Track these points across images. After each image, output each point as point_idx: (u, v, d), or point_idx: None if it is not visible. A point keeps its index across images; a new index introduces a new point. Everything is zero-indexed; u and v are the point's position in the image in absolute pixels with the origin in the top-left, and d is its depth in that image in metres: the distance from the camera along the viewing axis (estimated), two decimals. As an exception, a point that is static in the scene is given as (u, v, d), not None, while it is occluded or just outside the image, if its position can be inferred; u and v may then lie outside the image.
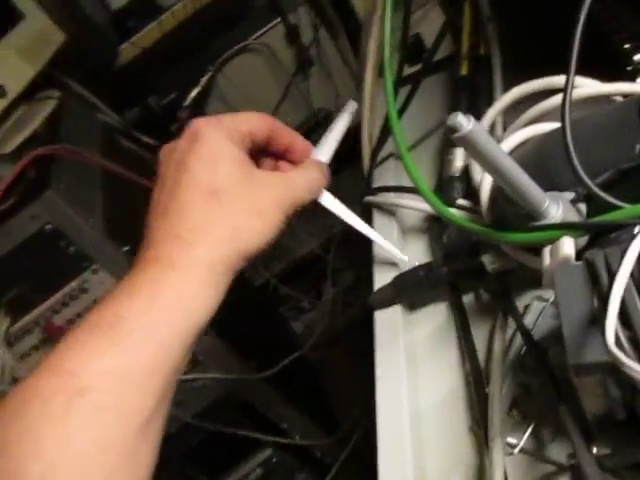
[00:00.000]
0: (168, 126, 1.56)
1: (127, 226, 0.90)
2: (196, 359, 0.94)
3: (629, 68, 0.36)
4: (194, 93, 1.50)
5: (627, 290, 0.21)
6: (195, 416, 0.97)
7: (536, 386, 0.32)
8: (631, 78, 0.35)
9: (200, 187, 0.33)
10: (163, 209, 0.35)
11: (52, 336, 0.81)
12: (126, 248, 0.82)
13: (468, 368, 0.34)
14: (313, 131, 1.68)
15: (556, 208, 0.27)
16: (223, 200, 0.33)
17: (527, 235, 0.27)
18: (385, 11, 0.42)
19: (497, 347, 0.33)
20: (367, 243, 0.45)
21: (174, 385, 0.31)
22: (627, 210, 0.24)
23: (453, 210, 0.35)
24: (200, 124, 0.35)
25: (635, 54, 0.36)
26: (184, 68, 1.54)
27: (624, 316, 0.21)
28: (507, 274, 0.37)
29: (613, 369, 0.21)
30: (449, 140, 0.45)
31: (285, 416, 1.14)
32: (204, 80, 1.51)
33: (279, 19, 1.52)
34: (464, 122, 0.23)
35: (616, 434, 0.25)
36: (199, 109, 1.53)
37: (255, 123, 0.37)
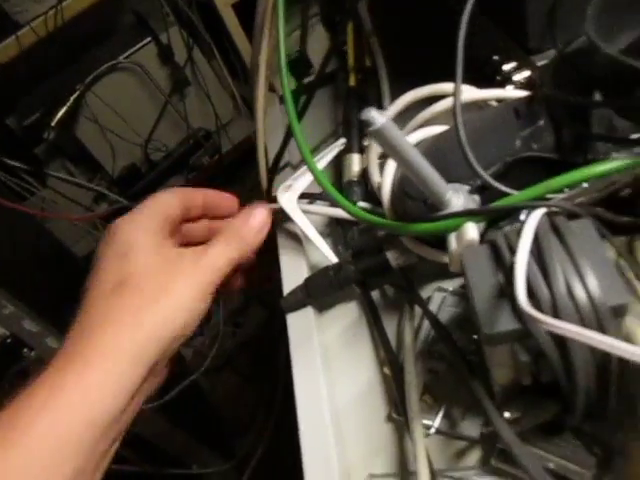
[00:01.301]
0: (32, 147, 1.45)
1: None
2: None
3: (499, 78, 0.41)
4: (61, 113, 1.41)
5: (529, 264, 0.24)
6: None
7: (444, 370, 0.35)
8: (501, 85, 0.40)
9: (107, 280, 0.33)
10: (79, 307, 0.34)
11: None
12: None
13: (382, 359, 0.36)
14: (192, 151, 1.66)
15: (457, 198, 0.29)
16: (128, 289, 0.32)
17: (433, 225, 0.29)
18: (278, 23, 0.43)
19: (407, 336, 0.35)
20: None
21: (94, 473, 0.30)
22: (518, 195, 0.27)
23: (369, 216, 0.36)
24: (116, 221, 0.36)
25: (503, 65, 0.40)
26: (49, 87, 1.44)
27: (529, 289, 0.23)
28: (410, 268, 0.39)
29: (522, 335, 0.24)
30: (347, 147, 0.47)
31: (180, 446, 1.09)
32: (72, 99, 1.42)
33: (150, 38, 1.49)
34: (377, 116, 0.24)
35: (522, 400, 0.27)
36: (68, 129, 1.44)
37: (166, 203, 0.37)
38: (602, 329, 0.22)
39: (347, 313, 0.41)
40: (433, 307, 0.37)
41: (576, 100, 0.30)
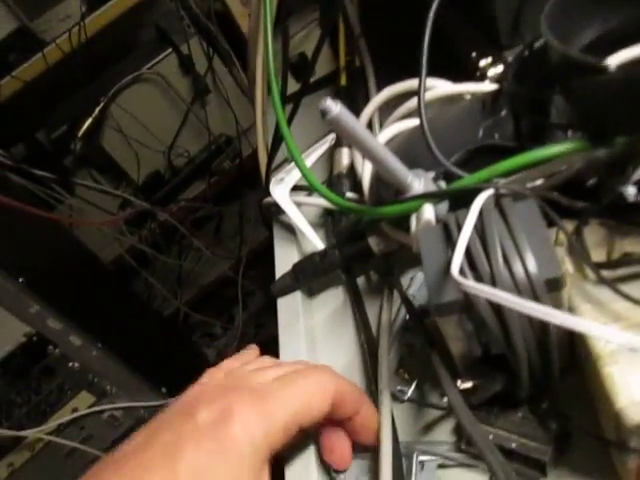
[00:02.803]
0: (61, 159, 1.51)
1: (19, 257, 0.86)
2: (104, 390, 0.91)
3: (478, 73, 0.43)
4: (87, 124, 1.47)
5: (472, 239, 0.26)
6: (107, 450, 0.94)
7: (418, 346, 0.36)
8: (480, 80, 0.41)
9: None
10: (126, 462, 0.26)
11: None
12: (21, 279, 0.79)
13: (363, 339, 0.38)
14: (214, 156, 1.70)
15: (418, 182, 0.31)
16: None
17: (395, 207, 0.31)
18: (266, 30, 0.46)
19: (384, 316, 0.37)
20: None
21: None
22: (467, 179, 0.29)
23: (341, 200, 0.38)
24: (236, 403, 0.28)
25: (480, 61, 0.42)
26: (74, 100, 1.51)
27: (471, 260, 0.25)
28: (392, 254, 0.41)
29: (465, 306, 0.26)
30: (337, 142, 0.49)
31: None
32: (97, 111, 1.48)
33: (170, 49, 1.54)
34: (332, 106, 0.27)
35: (476, 372, 0.29)
36: (94, 140, 1.50)
37: (316, 407, 0.29)
38: (537, 300, 0.24)
39: (334, 298, 0.43)
40: (413, 288, 0.39)
41: (533, 92, 0.32)
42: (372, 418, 0.32)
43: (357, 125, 0.28)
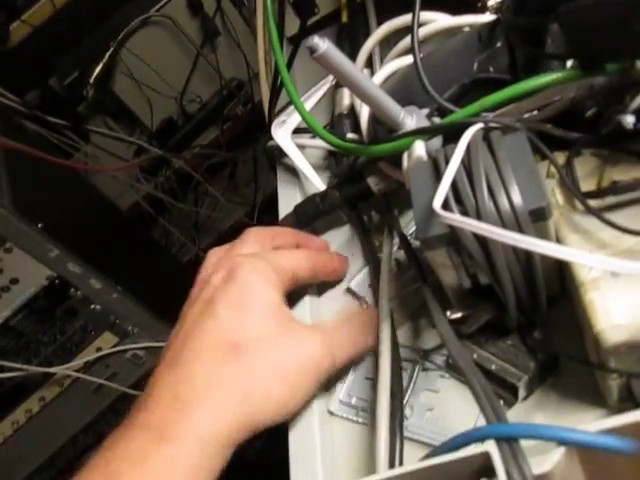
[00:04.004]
0: (74, 106, 1.52)
1: (39, 203, 0.89)
2: (126, 330, 0.95)
3: (479, 4, 0.41)
4: (98, 70, 1.46)
5: (458, 173, 0.26)
6: (132, 387, 0.99)
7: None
8: (481, 12, 0.40)
9: (219, 337, 0.29)
10: (172, 356, 0.30)
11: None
12: (40, 225, 0.82)
13: (370, 269, 0.39)
14: (226, 101, 1.69)
15: (410, 119, 0.31)
16: (242, 356, 0.29)
17: (388, 145, 0.31)
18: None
19: (385, 250, 0.38)
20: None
21: None
22: (456, 113, 0.29)
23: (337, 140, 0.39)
24: (239, 261, 0.32)
25: (482, -9, 0.41)
26: (84, 45, 1.50)
27: (457, 194, 0.26)
28: (391, 194, 0.41)
29: (452, 239, 0.26)
30: (337, 83, 0.49)
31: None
32: (107, 56, 1.47)
33: (178, -11, 1.50)
34: (320, 42, 0.27)
35: (466, 303, 0.30)
36: (106, 86, 1.50)
37: (300, 263, 0.34)
38: (521, 231, 0.25)
39: (337, 238, 0.44)
40: (413, 229, 0.40)
41: (529, 21, 0.31)
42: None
43: (346, 62, 0.28)
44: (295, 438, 0.32)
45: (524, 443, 0.20)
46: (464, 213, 0.25)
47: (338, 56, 0.27)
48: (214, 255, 0.37)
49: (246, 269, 0.32)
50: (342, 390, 0.35)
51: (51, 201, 0.98)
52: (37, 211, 0.83)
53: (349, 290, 0.39)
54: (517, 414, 0.29)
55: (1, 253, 0.78)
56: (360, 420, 0.33)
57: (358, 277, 0.39)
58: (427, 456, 0.22)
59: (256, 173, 1.71)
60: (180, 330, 0.32)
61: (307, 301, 0.39)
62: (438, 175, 0.27)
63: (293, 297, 0.38)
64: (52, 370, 0.87)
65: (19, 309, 0.83)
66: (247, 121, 1.72)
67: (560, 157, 0.30)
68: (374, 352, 0.33)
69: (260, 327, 0.30)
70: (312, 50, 0.27)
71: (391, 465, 0.27)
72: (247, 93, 1.70)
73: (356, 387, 0.35)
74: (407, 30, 0.41)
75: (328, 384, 0.34)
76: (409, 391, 0.32)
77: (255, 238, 0.37)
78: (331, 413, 0.34)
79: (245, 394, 0.28)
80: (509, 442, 0.20)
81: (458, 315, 0.29)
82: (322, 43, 0.27)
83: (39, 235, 0.80)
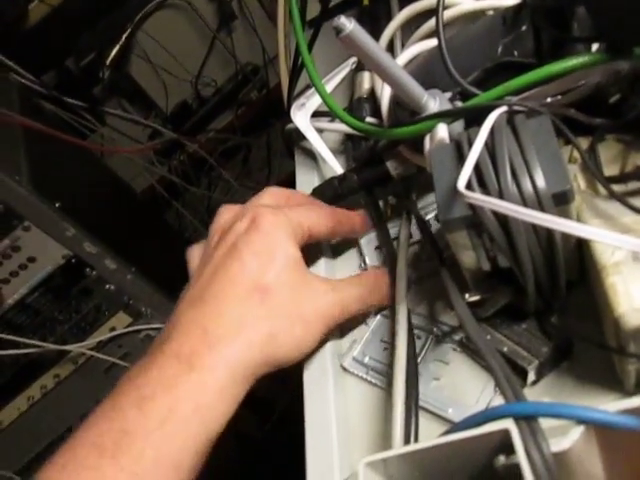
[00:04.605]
0: (90, 87, 1.52)
1: (56, 183, 0.90)
2: (139, 311, 0.96)
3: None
4: (114, 52, 1.47)
5: (482, 155, 0.26)
6: (143, 366, 1.00)
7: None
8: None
9: (247, 280, 0.31)
10: (199, 293, 0.32)
11: (-14, 296, 0.82)
12: (57, 204, 0.82)
13: (384, 253, 0.39)
14: (241, 86, 1.69)
15: (433, 102, 0.31)
16: (267, 300, 0.31)
17: (410, 128, 0.31)
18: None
19: (402, 236, 0.38)
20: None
21: None
22: (481, 96, 0.29)
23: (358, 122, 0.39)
24: (262, 211, 0.34)
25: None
26: (101, 27, 1.50)
27: (480, 177, 0.26)
28: (410, 178, 0.41)
29: (473, 221, 0.26)
30: (358, 66, 0.49)
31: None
32: (123, 38, 1.47)
33: (196, -27, 1.50)
34: (347, 22, 0.27)
35: (484, 286, 0.30)
36: (122, 68, 1.50)
37: (317, 220, 0.36)
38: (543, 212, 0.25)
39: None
40: (430, 216, 0.40)
41: (555, 3, 0.31)
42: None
43: (372, 43, 0.28)
44: (310, 391, 0.34)
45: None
46: (487, 195, 0.26)
47: (364, 37, 0.27)
48: (228, 211, 0.37)
49: (269, 220, 0.33)
50: (357, 349, 0.36)
51: (68, 181, 0.99)
52: (55, 191, 0.84)
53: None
54: (532, 397, 0.29)
55: (19, 231, 0.79)
56: (369, 379, 0.34)
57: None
58: (446, 432, 0.22)
59: (269, 158, 1.71)
60: (204, 272, 0.33)
61: (322, 262, 0.40)
62: (461, 158, 0.27)
63: (310, 256, 0.39)
64: (67, 348, 0.89)
65: (36, 287, 0.84)
66: (261, 106, 1.71)
67: (583, 142, 0.29)
68: (390, 318, 0.35)
69: (282, 276, 0.32)
70: (338, 30, 0.27)
71: (406, 438, 0.28)
72: (262, 78, 1.70)
73: (371, 347, 0.36)
74: (429, 13, 0.41)
75: (342, 336, 0.37)
76: (420, 358, 0.33)
77: (271, 196, 0.38)
78: (344, 369, 0.35)
79: (269, 334, 0.31)
80: (528, 420, 0.20)
81: (476, 298, 0.29)
82: (348, 23, 0.27)
83: (56, 214, 0.81)
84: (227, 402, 0.29)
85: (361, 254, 0.41)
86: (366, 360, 0.35)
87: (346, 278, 0.37)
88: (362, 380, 0.35)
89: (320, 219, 0.36)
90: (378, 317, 0.37)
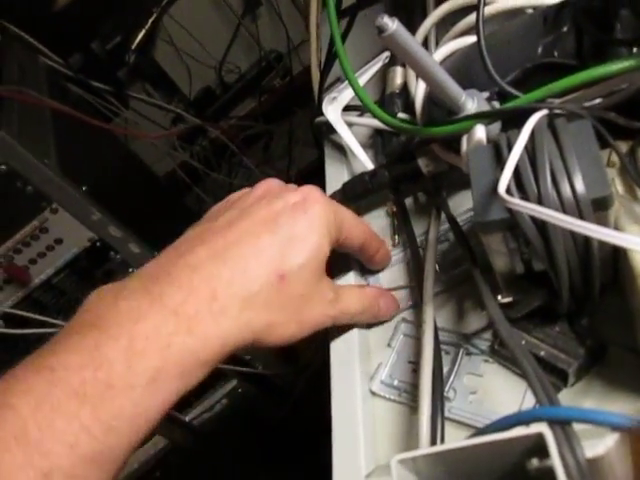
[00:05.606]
0: (115, 71, 1.53)
1: (82, 166, 0.91)
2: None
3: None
4: (140, 36, 1.47)
5: (521, 159, 0.26)
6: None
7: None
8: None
9: (271, 258, 0.31)
10: (222, 247, 0.32)
11: (13, 276, 0.83)
12: (84, 188, 0.84)
13: (409, 255, 0.39)
14: (264, 73, 1.68)
15: (471, 102, 0.31)
16: (280, 288, 0.31)
17: (447, 127, 0.31)
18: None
19: (431, 235, 0.38)
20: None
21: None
22: (522, 98, 0.29)
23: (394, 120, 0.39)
24: (316, 195, 0.34)
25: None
26: (128, 10, 1.50)
27: (519, 180, 0.26)
28: (440, 176, 0.41)
29: (509, 224, 0.27)
30: (390, 60, 0.49)
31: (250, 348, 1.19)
32: (149, 22, 1.48)
33: (223, -42, 1.49)
34: (389, 22, 0.27)
35: (517, 288, 0.30)
36: (147, 52, 1.51)
37: (356, 227, 0.36)
38: (583, 220, 0.25)
39: (380, 219, 0.44)
40: (462, 218, 0.40)
41: (598, 3, 0.30)
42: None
43: (414, 43, 0.28)
44: (338, 415, 0.34)
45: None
46: (525, 199, 0.26)
47: (407, 37, 0.27)
48: (268, 183, 0.37)
49: (320, 203, 0.33)
50: (384, 372, 0.36)
51: (94, 165, 1.00)
52: (81, 174, 0.85)
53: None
54: (563, 401, 0.29)
55: (47, 213, 0.80)
56: (402, 400, 0.34)
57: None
58: (476, 434, 0.23)
59: (291, 146, 1.71)
60: (234, 222, 0.33)
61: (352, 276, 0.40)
62: (499, 160, 0.27)
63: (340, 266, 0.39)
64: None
65: (62, 268, 0.86)
66: (284, 94, 1.71)
67: (622, 146, 0.29)
68: (416, 336, 0.34)
69: (303, 270, 0.32)
70: (380, 30, 0.27)
71: (433, 443, 0.28)
72: (285, 66, 1.69)
73: (398, 369, 0.35)
74: (464, 10, 0.41)
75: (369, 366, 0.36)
76: (453, 374, 0.32)
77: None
78: (373, 393, 0.35)
79: (268, 323, 0.31)
80: (562, 425, 0.20)
81: (509, 299, 0.30)
82: (391, 23, 0.27)
83: (83, 198, 0.83)
84: (207, 371, 0.29)
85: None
86: (395, 383, 0.35)
87: (349, 289, 0.37)
88: (393, 402, 0.34)
89: (359, 229, 0.36)
90: (401, 337, 0.37)
